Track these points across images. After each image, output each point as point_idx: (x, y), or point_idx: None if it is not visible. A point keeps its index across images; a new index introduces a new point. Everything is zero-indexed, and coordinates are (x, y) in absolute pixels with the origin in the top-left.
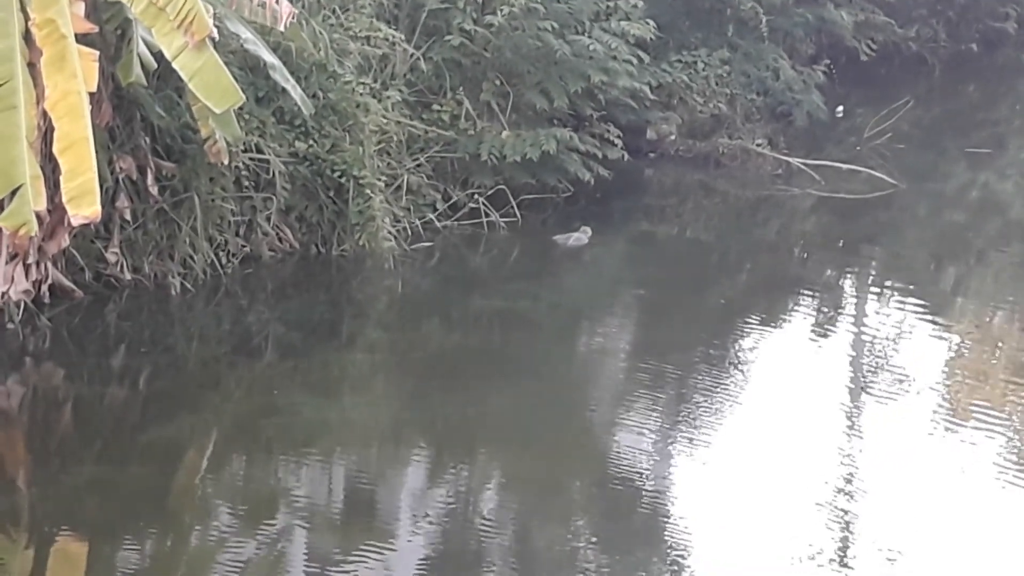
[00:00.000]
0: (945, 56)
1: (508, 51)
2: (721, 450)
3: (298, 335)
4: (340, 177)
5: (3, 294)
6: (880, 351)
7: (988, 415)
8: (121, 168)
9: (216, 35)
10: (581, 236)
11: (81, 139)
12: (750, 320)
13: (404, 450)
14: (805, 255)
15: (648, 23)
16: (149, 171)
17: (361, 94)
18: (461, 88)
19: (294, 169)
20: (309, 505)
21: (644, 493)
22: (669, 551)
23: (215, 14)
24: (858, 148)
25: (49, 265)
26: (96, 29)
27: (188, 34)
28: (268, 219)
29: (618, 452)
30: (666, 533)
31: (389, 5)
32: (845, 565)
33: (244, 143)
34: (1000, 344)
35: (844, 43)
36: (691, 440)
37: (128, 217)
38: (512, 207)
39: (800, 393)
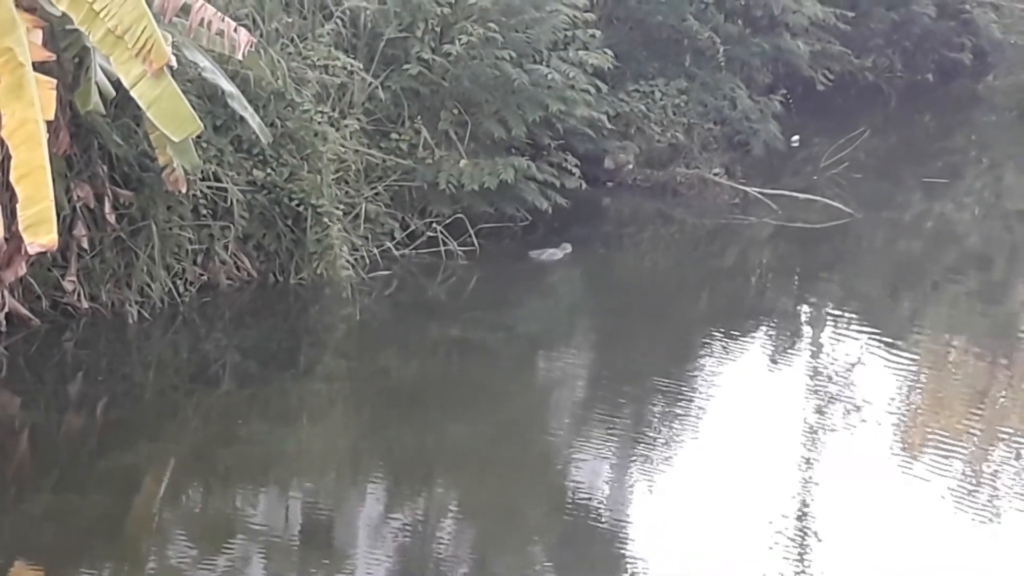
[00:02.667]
0: (901, 86)
1: (466, 80)
2: (678, 477)
3: (256, 364)
4: (298, 205)
5: None
6: (837, 379)
7: (944, 444)
8: (79, 196)
9: (174, 63)
10: (556, 252)
11: (38, 167)
12: (707, 348)
13: (362, 479)
14: (762, 284)
15: (606, 53)
16: (107, 199)
17: (319, 123)
18: (419, 117)
19: (252, 197)
20: (267, 534)
21: (602, 520)
22: None
23: (173, 42)
24: (815, 177)
25: (6, 293)
26: (54, 57)
27: (146, 62)
28: (226, 247)
29: (576, 480)
30: (624, 561)
31: (347, 34)
32: None
33: (202, 171)
34: (955, 373)
35: (801, 73)
36: (649, 468)
37: (85, 245)
38: (470, 236)
39: (757, 421)
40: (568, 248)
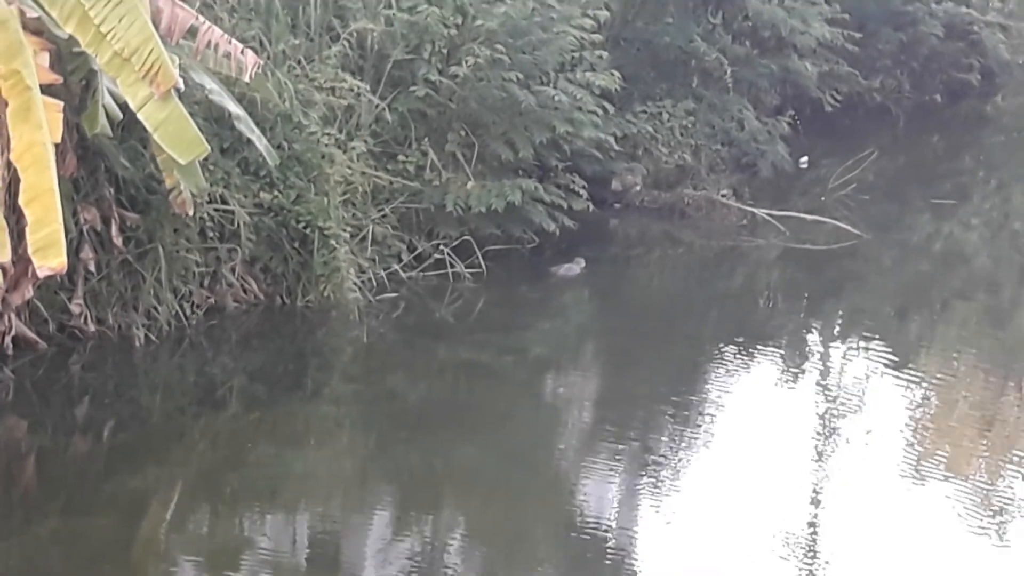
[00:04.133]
0: (909, 107)
1: (473, 102)
2: (686, 501)
3: (263, 386)
4: (305, 228)
5: None
6: (846, 401)
7: (952, 466)
8: (85, 219)
9: (181, 86)
10: (573, 267)
11: (47, 190)
12: (716, 371)
13: (370, 502)
14: (771, 306)
15: (613, 74)
16: (113, 222)
17: (326, 145)
18: (426, 139)
19: (259, 220)
20: (275, 557)
21: (610, 543)
22: None
23: (180, 64)
24: (823, 199)
25: (12, 317)
26: (61, 80)
27: (153, 85)
28: (233, 270)
29: (584, 503)
30: None
31: (354, 56)
32: None
33: (209, 194)
34: (966, 395)
35: (809, 94)
36: (657, 492)
37: (92, 268)
38: (477, 258)
39: (766, 444)
40: (583, 263)
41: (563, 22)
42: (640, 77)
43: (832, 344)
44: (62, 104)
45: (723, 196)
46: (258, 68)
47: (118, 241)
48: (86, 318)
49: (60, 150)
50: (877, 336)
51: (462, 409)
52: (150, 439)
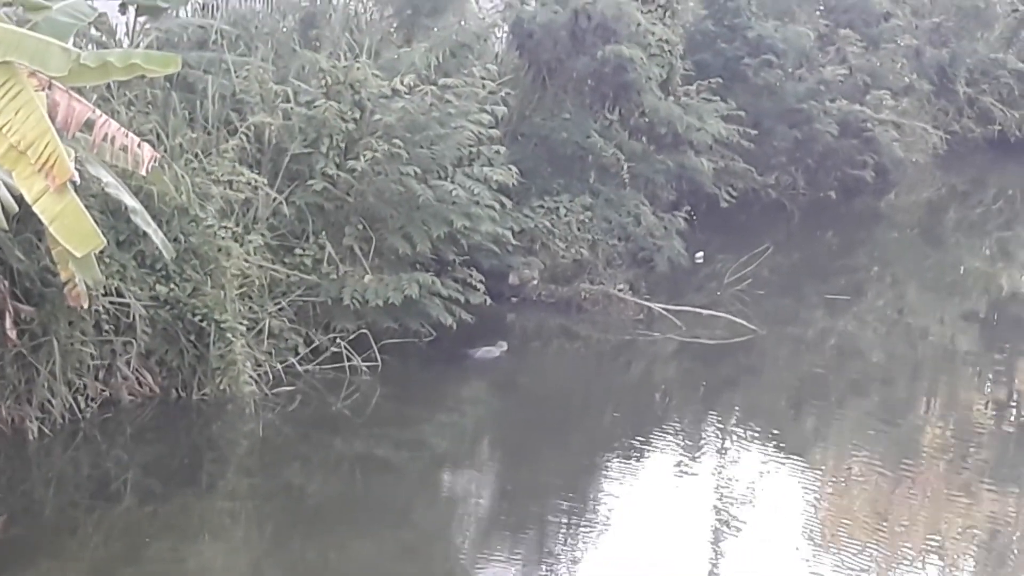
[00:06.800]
0: (804, 203)
1: (371, 196)
2: None
3: (158, 481)
4: (201, 321)
5: None
6: (741, 496)
7: (847, 561)
8: None
9: (77, 179)
10: (493, 349)
11: None
12: (613, 465)
13: None
14: (667, 399)
15: (511, 169)
16: (8, 314)
17: (223, 238)
18: (324, 232)
19: (155, 313)
20: None
21: None
22: None
23: (77, 157)
24: (719, 293)
25: None
26: None
27: (49, 177)
28: (128, 363)
29: None
30: None
31: (252, 149)
32: None
33: (104, 287)
34: (860, 489)
35: (705, 190)
36: None
37: None
38: (374, 351)
39: (661, 539)
40: (504, 346)
41: (461, 117)
42: (537, 172)
43: (728, 438)
44: None
45: (620, 291)
46: (155, 161)
47: (12, 334)
48: None
49: None
50: (772, 430)
51: (358, 503)
52: (43, 533)
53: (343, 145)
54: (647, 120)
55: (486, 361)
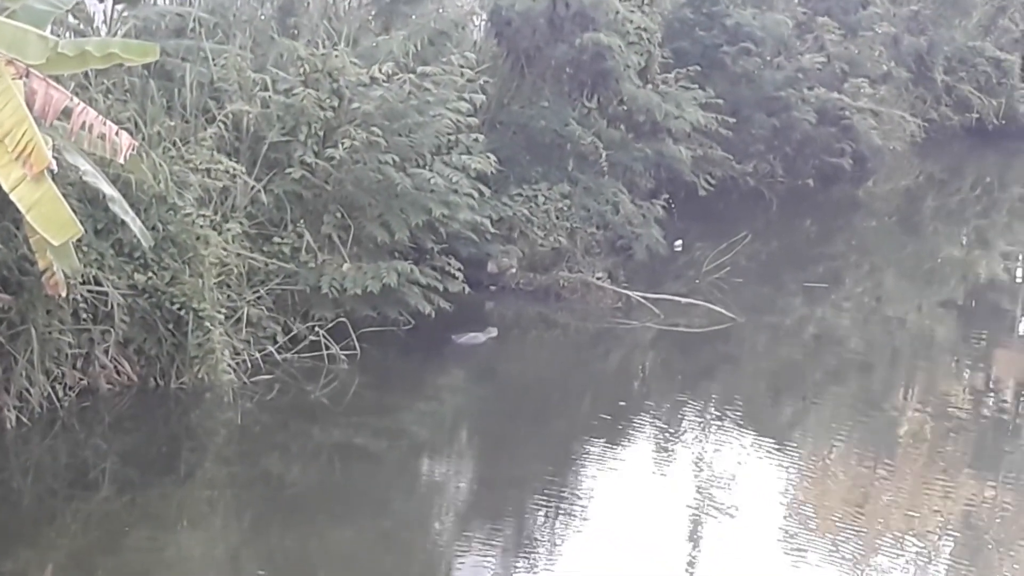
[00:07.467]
0: (782, 191)
1: (349, 184)
2: None
3: (136, 469)
4: (179, 309)
5: None
6: (719, 482)
7: (825, 548)
8: None
9: (55, 167)
10: (479, 335)
11: None
12: (591, 452)
13: None
14: (645, 388)
15: (489, 157)
16: None
17: (201, 226)
18: (302, 220)
19: (133, 301)
20: None
21: None
22: None
23: (54, 146)
24: (697, 282)
25: None
26: None
27: (27, 166)
28: (106, 351)
29: None
30: None
31: (230, 138)
32: None
33: (82, 275)
34: (838, 474)
35: (683, 178)
36: (533, 573)
37: None
38: (352, 340)
39: (640, 524)
40: (493, 332)
41: (439, 105)
42: (516, 160)
43: (706, 425)
44: None
45: (598, 279)
46: (133, 150)
47: None
48: None
49: None
50: (749, 418)
51: (337, 492)
52: (21, 522)
53: (321, 133)
54: (625, 108)
55: (465, 348)
